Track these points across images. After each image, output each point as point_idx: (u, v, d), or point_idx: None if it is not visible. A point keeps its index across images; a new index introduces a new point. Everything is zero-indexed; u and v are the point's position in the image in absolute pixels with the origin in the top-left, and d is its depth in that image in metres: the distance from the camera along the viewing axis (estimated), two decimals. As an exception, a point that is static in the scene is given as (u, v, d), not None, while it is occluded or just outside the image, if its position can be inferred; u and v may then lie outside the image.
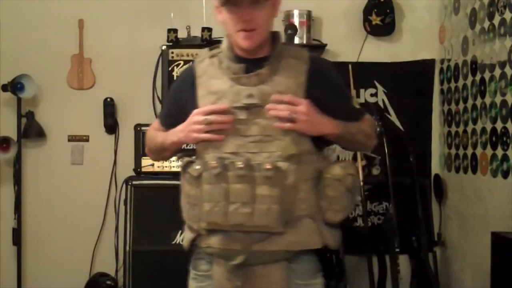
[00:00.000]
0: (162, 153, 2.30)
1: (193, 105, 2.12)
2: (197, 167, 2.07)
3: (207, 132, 2.06)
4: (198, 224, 2.09)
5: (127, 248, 3.77)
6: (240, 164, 2.00)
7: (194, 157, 2.15)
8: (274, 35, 2.16)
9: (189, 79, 2.17)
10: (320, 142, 2.12)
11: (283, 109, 2.01)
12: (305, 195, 2.05)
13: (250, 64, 2.09)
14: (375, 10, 4.34)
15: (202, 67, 2.15)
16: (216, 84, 2.09)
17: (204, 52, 2.20)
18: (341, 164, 2.12)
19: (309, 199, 2.06)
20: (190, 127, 2.10)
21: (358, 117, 2.20)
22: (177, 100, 2.24)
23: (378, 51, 4.40)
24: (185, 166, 2.13)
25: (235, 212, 2.01)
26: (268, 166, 1.98)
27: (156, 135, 2.28)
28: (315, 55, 2.21)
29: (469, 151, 3.91)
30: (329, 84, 2.14)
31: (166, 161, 2.37)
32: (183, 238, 2.23)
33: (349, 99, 2.27)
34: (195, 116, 2.08)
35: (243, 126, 2.04)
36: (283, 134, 2.02)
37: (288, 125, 2.01)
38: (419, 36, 4.44)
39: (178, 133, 2.16)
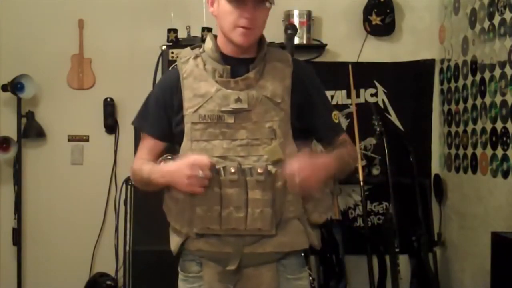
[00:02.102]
0: (150, 188, 2.19)
1: (179, 107, 2.11)
2: None
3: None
4: (188, 228, 2.10)
5: (127, 248, 3.76)
6: (232, 169, 2.01)
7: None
8: (260, 38, 2.16)
9: (174, 81, 2.14)
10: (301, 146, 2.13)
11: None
12: (292, 197, 2.08)
13: (236, 64, 2.10)
14: (375, 10, 4.34)
15: (187, 68, 2.13)
16: (202, 87, 2.08)
17: (187, 51, 2.18)
18: None
19: (296, 201, 2.09)
20: (186, 181, 2.01)
21: (338, 130, 2.23)
22: (162, 106, 2.17)
23: (378, 51, 4.40)
24: None
25: (228, 216, 2.02)
26: (260, 170, 2.01)
27: (141, 169, 2.17)
28: (296, 58, 2.25)
29: (469, 151, 3.91)
30: (312, 85, 2.18)
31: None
32: (170, 242, 2.21)
33: (329, 102, 2.31)
34: (191, 170, 2.00)
35: (230, 130, 2.06)
36: (270, 139, 2.05)
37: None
38: (419, 36, 4.44)
39: (166, 175, 2.08)
